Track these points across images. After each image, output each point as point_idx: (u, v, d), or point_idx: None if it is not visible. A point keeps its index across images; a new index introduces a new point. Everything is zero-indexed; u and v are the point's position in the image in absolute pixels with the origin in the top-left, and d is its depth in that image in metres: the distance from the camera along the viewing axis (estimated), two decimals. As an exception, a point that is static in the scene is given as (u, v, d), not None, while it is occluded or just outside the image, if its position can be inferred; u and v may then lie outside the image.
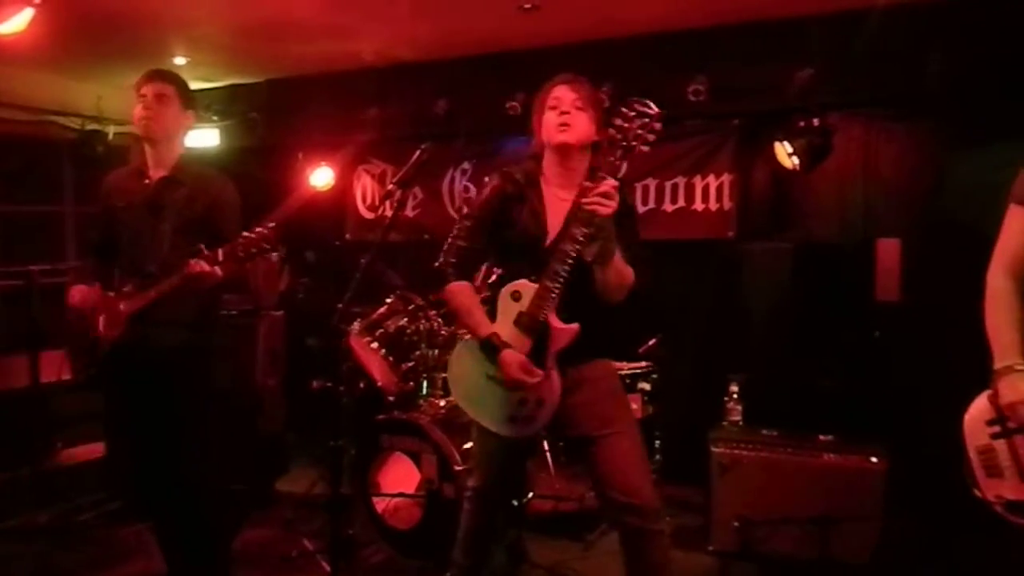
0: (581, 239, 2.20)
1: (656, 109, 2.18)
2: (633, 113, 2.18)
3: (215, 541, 3.02)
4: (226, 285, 2.89)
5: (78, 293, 2.86)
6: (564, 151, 2.38)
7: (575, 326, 2.31)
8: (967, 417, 2.22)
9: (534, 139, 2.46)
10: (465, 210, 2.56)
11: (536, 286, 2.29)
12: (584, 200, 2.18)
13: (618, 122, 2.19)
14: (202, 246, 2.58)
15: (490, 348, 2.35)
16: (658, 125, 2.17)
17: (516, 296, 2.33)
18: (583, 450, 2.44)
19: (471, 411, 2.48)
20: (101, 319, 2.83)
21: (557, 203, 2.39)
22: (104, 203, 2.96)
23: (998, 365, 2.13)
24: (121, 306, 2.78)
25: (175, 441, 2.85)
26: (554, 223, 2.36)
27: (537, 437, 2.69)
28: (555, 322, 2.30)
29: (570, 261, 2.22)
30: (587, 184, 2.20)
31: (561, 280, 2.24)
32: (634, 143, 2.18)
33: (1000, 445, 2.12)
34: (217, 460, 3.01)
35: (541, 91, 2.44)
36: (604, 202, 2.16)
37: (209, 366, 2.92)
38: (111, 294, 2.83)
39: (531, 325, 2.30)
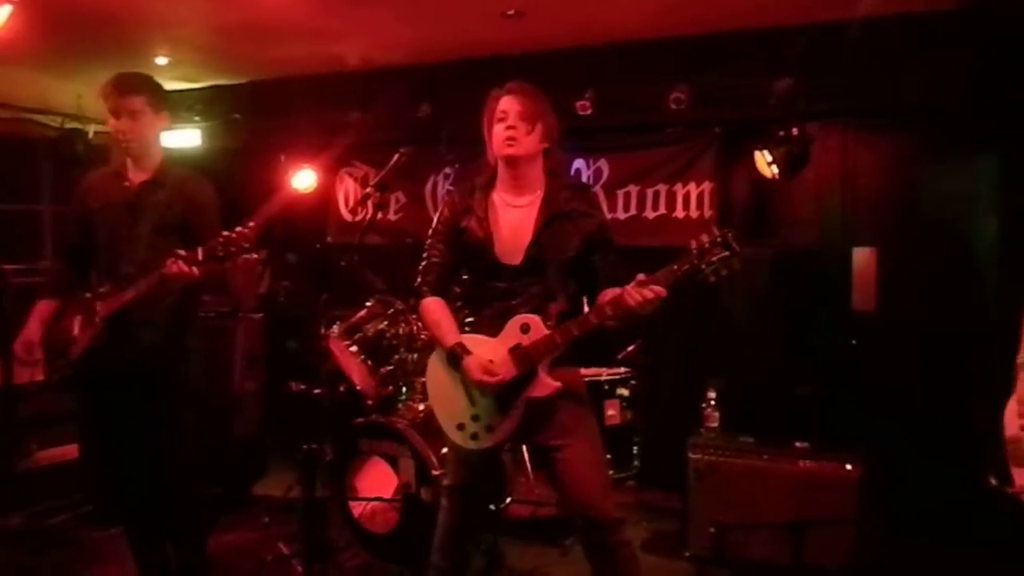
0: (609, 314, 2.24)
1: (739, 248, 2.18)
2: (720, 241, 2.18)
3: (195, 543, 3.00)
4: (205, 286, 2.88)
5: (20, 340, 2.81)
6: (512, 163, 2.42)
7: (558, 384, 2.35)
8: (1007, 409, 2.26)
9: (487, 149, 2.49)
10: (431, 227, 2.60)
11: (546, 330, 2.33)
12: (629, 289, 2.21)
13: (703, 240, 2.19)
14: (181, 247, 2.55)
15: (454, 358, 2.41)
16: (737, 266, 2.18)
17: (525, 328, 2.36)
18: (543, 458, 2.47)
19: (435, 410, 2.54)
20: (76, 321, 2.80)
21: (507, 209, 2.45)
22: (81, 204, 2.93)
23: (1020, 358, 2.21)
24: (97, 307, 2.75)
25: (151, 443, 2.82)
26: (503, 228, 2.42)
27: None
28: (544, 373, 2.35)
29: (588, 330, 2.28)
30: (641, 277, 2.21)
31: (571, 340, 2.31)
32: (704, 269, 2.19)
33: None
34: (194, 463, 2.98)
35: (489, 99, 2.46)
36: (643, 303, 2.18)
37: (185, 367, 2.90)
38: (87, 295, 2.81)
39: (523, 363, 2.35)
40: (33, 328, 2.84)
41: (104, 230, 2.85)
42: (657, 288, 2.19)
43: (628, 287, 2.21)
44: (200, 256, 2.53)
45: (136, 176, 2.87)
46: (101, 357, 2.76)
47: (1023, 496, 2.16)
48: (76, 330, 2.79)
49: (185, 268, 2.52)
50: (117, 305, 2.71)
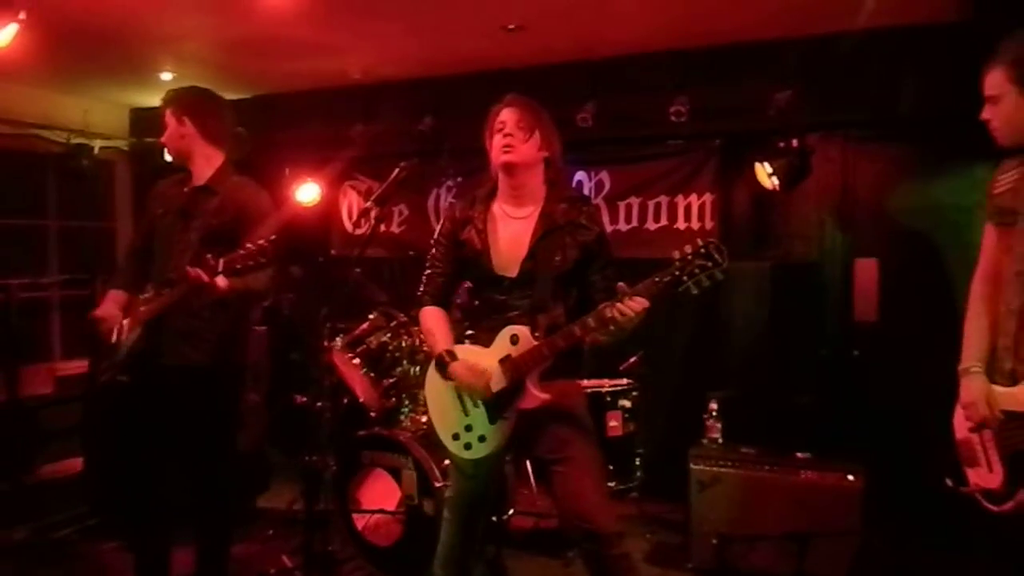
0: (593, 326, 2.24)
1: (724, 262, 2.14)
2: (703, 252, 2.15)
3: (223, 557, 3.02)
4: (249, 299, 2.88)
5: (102, 308, 2.89)
6: (509, 170, 2.46)
7: (546, 397, 2.35)
8: (956, 412, 2.35)
9: (489, 163, 2.53)
10: (433, 239, 2.63)
11: (534, 342, 2.34)
12: (610, 304, 2.20)
13: (686, 251, 2.16)
14: (208, 256, 2.54)
15: (441, 365, 2.45)
16: (720, 277, 2.14)
17: (514, 340, 2.37)
18: (543, 471, 2.50)
19: (432, 420, 2.56)
20: (124, 323, 2.84)
21: (507, 221, 2.48)
22: (148, 209, 3.02)
23: (961, 366, 2.29)
24: (141, 310, 2.80)
25: (190, 457, 2.85)
26: (501, 240, 2.45)
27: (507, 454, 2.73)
28: (532, 385, 2.36)
29: (572, 342, 2.29)
30: (624, 288, 2.20)
31: (556, 352, 2.31)
32: (686, 280, 2.16)
33: (975, 437, 2.25)
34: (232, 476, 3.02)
35: (490, 115, 2.51)
36: (625, 315, 2.17)
37: (237, 384, 2.93)
38: (139, 298, 2.85)
39: (512, 374, 2.36)
40: (110, 303, 2.90)
41: (160, 235, 2.91)
42: (640, 300, 2.17)
43: (611, 300, 2.21)
44: (220, 267, 2.52)
45: (196, 182, 2.93)
46: (147, 365, 2.79)
47: (978, 495, 2.22)
48: (123, 334, 2.82)
49: (205, 277, 2.51)
50: (154, 310, 2.74)
